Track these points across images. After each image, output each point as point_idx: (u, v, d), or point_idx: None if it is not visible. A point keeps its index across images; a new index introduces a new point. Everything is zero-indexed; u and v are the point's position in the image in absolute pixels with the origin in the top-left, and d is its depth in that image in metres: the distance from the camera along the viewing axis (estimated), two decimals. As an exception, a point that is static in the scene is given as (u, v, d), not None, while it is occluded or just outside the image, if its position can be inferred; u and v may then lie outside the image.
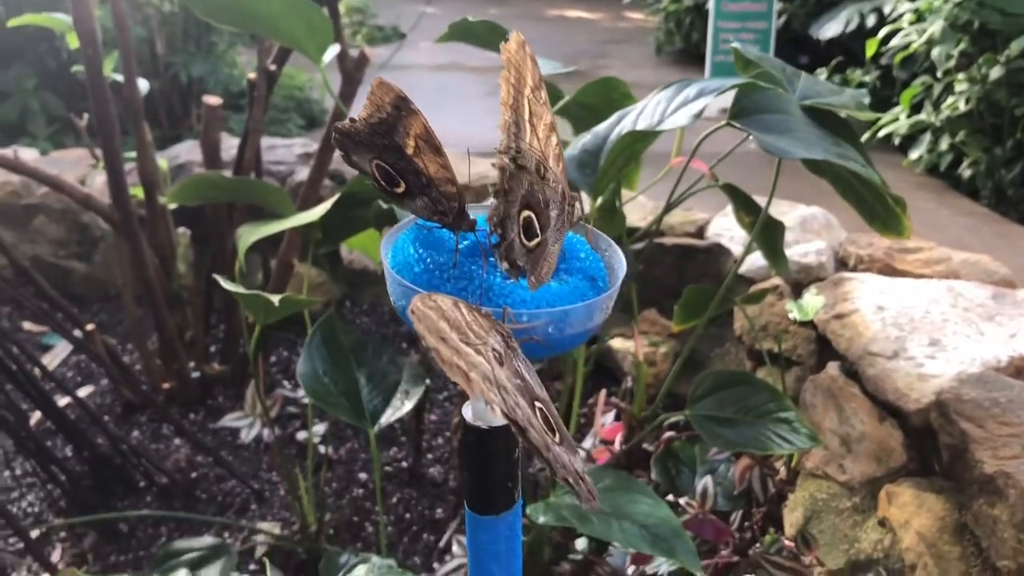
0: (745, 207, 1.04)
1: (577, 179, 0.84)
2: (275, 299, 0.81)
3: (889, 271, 1.24)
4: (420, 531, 1.16)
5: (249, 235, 1.04)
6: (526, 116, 0.36)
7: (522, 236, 0.35)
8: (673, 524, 0.83)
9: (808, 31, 3.45)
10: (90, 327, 1.22)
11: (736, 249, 1.37)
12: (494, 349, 0.31)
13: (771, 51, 3.00)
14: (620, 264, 0.37)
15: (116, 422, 1.35)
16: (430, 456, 1.28)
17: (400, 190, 0.39)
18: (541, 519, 0.82)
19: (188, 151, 1.77)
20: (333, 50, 1.25)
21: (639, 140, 0.80)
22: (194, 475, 1.24)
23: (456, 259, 0.35)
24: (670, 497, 1.06)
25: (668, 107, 0.86)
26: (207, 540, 1.04)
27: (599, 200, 0.89)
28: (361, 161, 0.39)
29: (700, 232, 1.43)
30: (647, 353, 1.35)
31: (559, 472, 0.32)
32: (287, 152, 1.77)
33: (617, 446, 1.04)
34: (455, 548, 1.07)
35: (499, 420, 0.38)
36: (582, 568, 1.06)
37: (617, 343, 1.38)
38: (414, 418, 1.22)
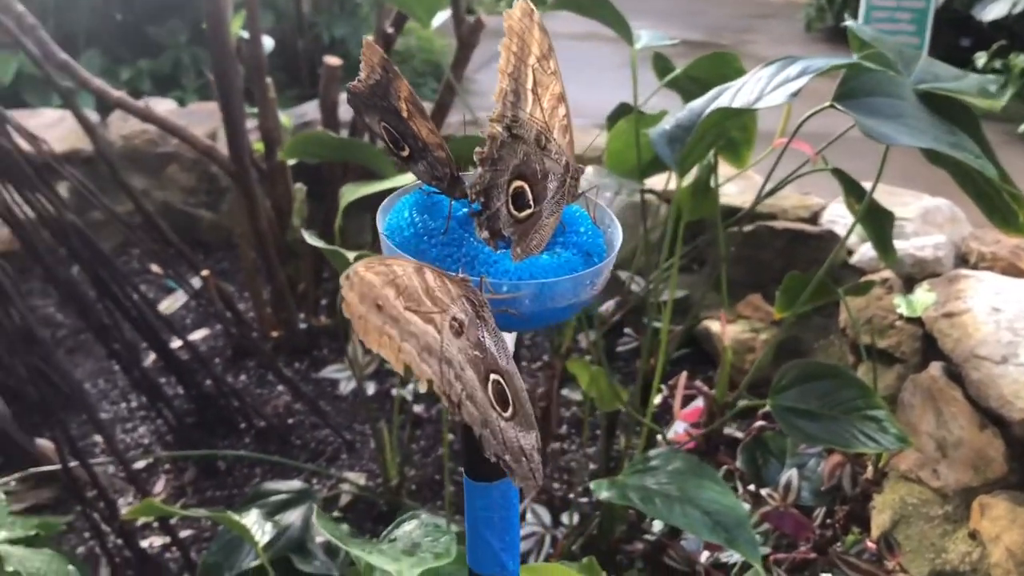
0: (855, 193, 1.00)
1: (665, 154, 0.82)
2: (350, 255, 0.83)
3: (1013, 271, 1.16)
4: (500, 496, 1.18)
5: (350, 193, 1.07)
6: (528, 85, 0.35)
7: (511, 206, 0.34)
8: (738, 513, 0.81)
9: (971, 12, 3.25)
10: (205, 273, 1.28)
11: (852, 238, 1.31)
12: (455, 318, 0.31)
13: (928, 33, 2.83)
14: (618, 241, 0.37)
15: (225, 365, 1.42)
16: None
17: (405, 154, 0.39)
18: (603, 495, 0.82)
19: (315, 110, 1.83)
20: (444, 15, 1.26)
21: (729, 118, 0.78)
22: (291, 421, 1.29)
23: (448, 225, 0.35)
24: (751, 487, 1.04)
25: (768, 85, 0.83)
26: (295, 484, 1.09)
27: (689, 177, 0.87)
28: (372, 122, 0.39)
29: (814, 218, 1.37)
30: (747, 339, 1.32)
31: (489, 449, 0.32)
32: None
33: (696, 430, 1.02)
34: (528, 516, 1.08)
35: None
36: (655, 549, 1.06)
37: (715, 326, 1.35)
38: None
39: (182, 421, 1.25)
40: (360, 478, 1.17)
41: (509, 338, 0.37)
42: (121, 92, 1.28)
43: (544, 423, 1.14)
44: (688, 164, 0.81)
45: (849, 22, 0.92)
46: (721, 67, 1.06)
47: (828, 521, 1.03)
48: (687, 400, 1.08)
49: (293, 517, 1.04)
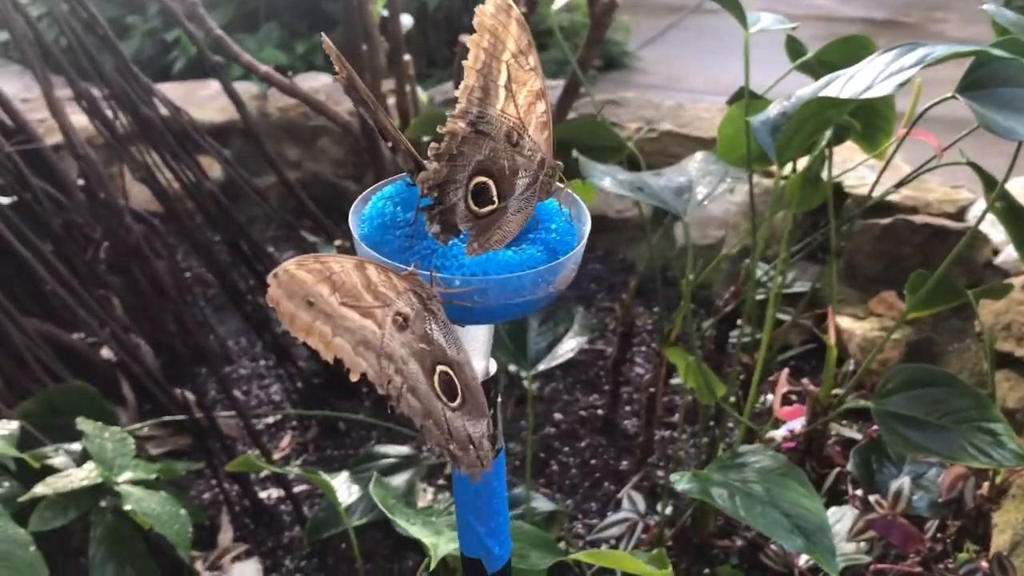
0: (993, 188, 0.93)
1: (766, 143, 0.79)
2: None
3: None
4: (602, 479, 1.18)
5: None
6: (500, 82, 0.35)
7: (470, 202, 0.34)
8: (819, 518, 0.78)
9: None
10: (338, 243, 1.34)
11: (998, 237, 1.22)
12: (399, 312, 0.32)
13: None
14: (579, 241, 0.36)
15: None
16: (628, 408, 1.29)
17: (390, 144, 0.40)
18: (682, 487, 0.81)
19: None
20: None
21: (829, 107, 0.74)
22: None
23: (416, 217, 0.36)
24: (859, 492, 0.99)
25: (882, 73, 0.78)
26: (403, 449, 1.13)
27: (799, 168, 0.83)
28: (365, 114, 0.40)
29: (961, 213, 1.28)
30: (876, 337, 1.25)
31: (431, 440, 0.32)
32: (552, 95, 1.81)
33: (798, 429, 0.99)
34: (624, 503, 1.08)
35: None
36: (751, 547, 1.03)
37: (845, 322, 1.29)
38: (613, 369, 1.23)
39: (309, 382, 1.32)
40: (466, 450, 1.20)
41: (483, 330, 0.37)
42: (268, 67, 1.35)
43: (649, 411, 1.14)
44: (788, 154, 0.78)
45: (987, 5, 0.85)
46: (855, 51, 1.01)
47: (940, 535, 0.97)
48: (788, 399, 1.04)
49: (399, 480, 1.09)
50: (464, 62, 0.35)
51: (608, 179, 0.86)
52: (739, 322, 1.19)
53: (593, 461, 1.20)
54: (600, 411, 1.28)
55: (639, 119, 1.67)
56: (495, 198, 0.35)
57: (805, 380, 0.98)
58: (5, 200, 1.27)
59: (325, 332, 0.31)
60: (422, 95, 1.51)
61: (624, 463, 1.19)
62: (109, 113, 1.08)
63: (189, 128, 1.14)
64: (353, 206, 0.38)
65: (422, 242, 0.35)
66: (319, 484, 0.88)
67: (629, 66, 3.50)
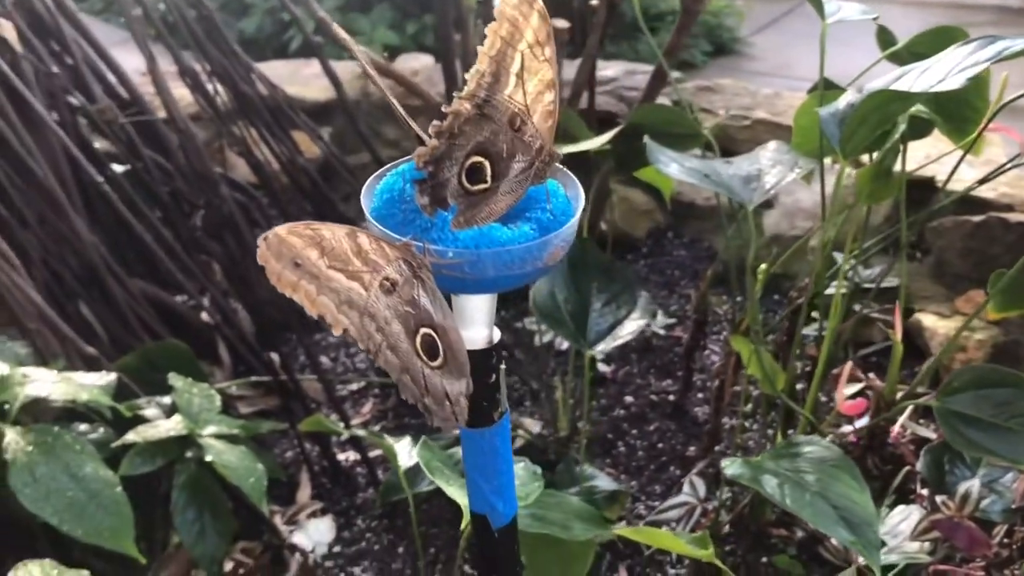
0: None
1: (832, 135, 0.79)
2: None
3: None
4: (668, 463, 1.19)
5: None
6: (512, 69, 0.37)
7: (464, 179, 0.37)
8: (867, 511, 0.78)
9: None
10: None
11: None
12: (387, 278, 0.35)
13: None
14: (565, 226, 0.38)
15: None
16: (700, 396, 1.29)
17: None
18: (731, 471, 0.82)
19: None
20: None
21: (895, 101, 0.74)
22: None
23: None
24: (925, 491, 0.98)
25: (958, 65, 0.77)
26: (473, 423, 1.17)
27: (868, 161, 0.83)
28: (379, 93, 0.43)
29: (1063, 212, 1.24)
30: (960, 337, 1.22)
31: (405, 392, 0.35)
32: (644, 79, 1.81)
33: (860, 424, 0.98)
34: (685, 487, 1.09)
35: (475, 344, 0.41)
36: (810, 539, 1.03)
37: (929, 320, 1.26)
38: (686, 355, 1.24)
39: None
40: (535, 426, 1.23)
41: (484, 300, 0.40)
42: (366, 49, 1.40)
43: (718, 399, 1.14)
44: (852, 147, 0.77)
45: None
46: (945, 42, 0.99)
47: (1007, 540, 0.95)
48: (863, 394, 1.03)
49: (465, 452, 1.12)
50: (480, 47, 0.38)
51: (675, 165, 0.87)
52: (814, 315, 1.18)
53: (660, 445, 1.22)
54: (671, 396, 1.29)
55: (733, 106, 1.66)
56: (488, 178, 0.37)
57: (872, 375, 0.97)
58: (119, 168, 1.37)
59: (310, 291, 0.34)
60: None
61: (691, 449, 1.20)
62: (211, 89, 1.15)
63: (285, 105, 1.19)
64: (368, 181, 0.41)
65: (421, 216, 0.38)
66: (383, 448, 0.93)
67: (739, 52, 3.44)
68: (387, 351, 0.35)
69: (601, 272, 0.97)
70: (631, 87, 1.77)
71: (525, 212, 0.39)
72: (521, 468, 0.71)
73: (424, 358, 0.36)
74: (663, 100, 1.71)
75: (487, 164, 0.37)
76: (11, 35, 1.21)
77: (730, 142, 1.61)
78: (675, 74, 1.86)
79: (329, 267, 0.34)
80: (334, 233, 0.34)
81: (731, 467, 0.83)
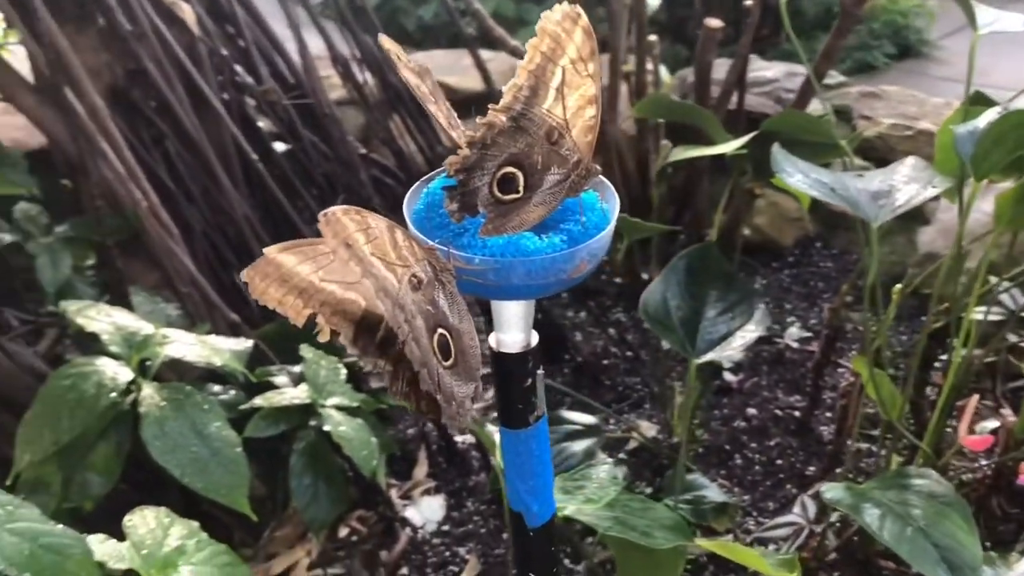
0: None
1: (965, 154, 0.75)
2: (632, 220, 0.88)
3: None
4: (785, 480, 1.16)
5: (677, 153, 1.11)
6: (552, 84, 0.37)
7: (496, 188, 0.37)
8: (972, 554, 0.74)
9: None
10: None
11: None
12: (415, 275, 0.36)
13: None
14: (595, 240, 0.38)
15: (570, 299, 1.54)
16: (828, 414, 1.25)
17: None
18: (830, 496, 0.79)
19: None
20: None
21: (1032, 122, 0.69)
22: (605, 362, 1.37)
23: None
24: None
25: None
26: (589, 419, 1.17)
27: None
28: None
29: None
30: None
31: (424, 384, 0.36)
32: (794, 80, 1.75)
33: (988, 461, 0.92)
34: (796, 507, 1.06)
35: (511, 348, 0.42)
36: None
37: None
38: (815, 372, 1.20)
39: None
40: (651, 430, 1.22)
41: (520, 306, 0.41)
42: (517, 42, 1.42)
43: (842, 419, 1.10)
44: (985, 168, 0.73)
45: None
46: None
47: None
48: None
49: (577, 448, 1.13)
50: (519, 62, 0.38)
51: (799, 176, 0.84)
52: (949, 340, 1.11)
53: (779, 461, 1.18)
54: (797, 412, 1.25)
55: (896, 115, 1.58)
56: (521, 188, 0.38)
57: (1006, 410, 0.91)
58: (281, 146, 1.45)
59: (356, 272, 0.36)
60: (665, 76, 1.53)
61: (811, 468, 1.16)
62: (360, 77, 1.20)
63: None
64: (416, 185, 0.42)
65: (461, 222, 0.39)
66: (483, 438, 0.95)
67: (927, 56, 3.26)
68: (412, 342, 0.37)
69: (720, 280, 0.95)
70: (791, 89, 1.72)
71: (560, 224, 0.40)
72: (603, 472, 0.72)
73: (439, 357, 0.37)
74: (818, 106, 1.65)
75: (520, 175, 0.38)
76: (190, 18, 1.30)
77: (890, 153, 1.54)
78: (841, 78, 1.79)
79: (372, 254, 0.36)
80: (378, 224, 0.36)
81: (831, 491, 0.81)
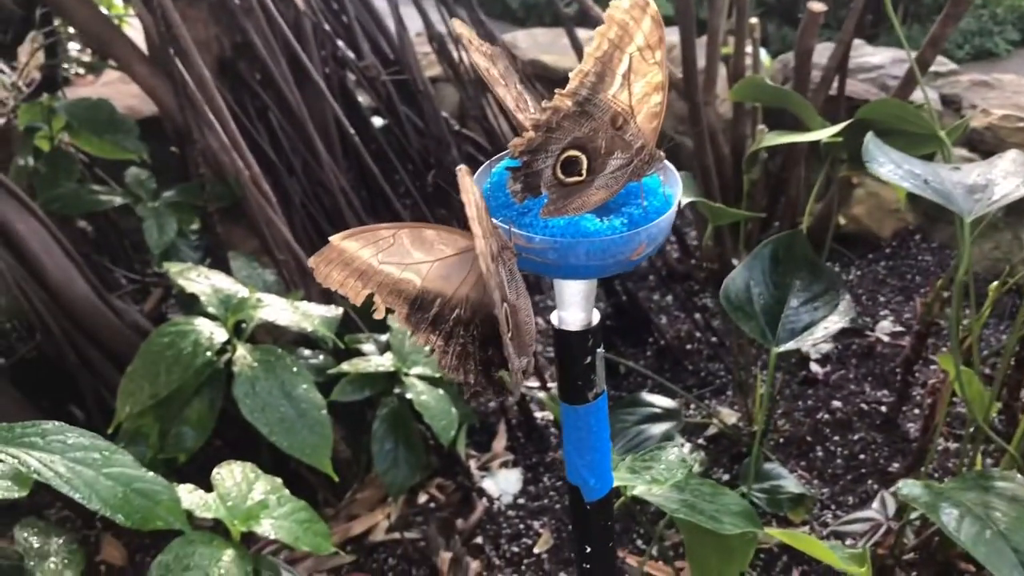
0: None
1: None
2: (714, 205, 0.87)
3: None
4: (866, 476, 1.14)
5: (770, 139, 1.10)
6: (619, 71, 0.38)
7: (558, 170, 0.38)
8: (1053, 564, 0.72)
9: None
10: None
11: None
12: (491, 247, 0.37)
13: None
14: (653, 223, 0.39)
15: (657, 282, 1.54)
16: (916, 411, 1.22)
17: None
18: (906, 492, 0.78)
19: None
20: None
21: None
22: (688, 347, 1.37)
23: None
24: None
25: None
26: (669, 403, 1.17)
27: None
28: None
29: None
30: None
31: (506, 349, 0.38)
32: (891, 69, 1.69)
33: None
34: (875, 503, 1.04)
35: (572, 326, 0.43)
36: None
37: None
38: (904, 367, 1.17)
39: (601, 323, 1.40)
40: (731, 417, 1.22)
41: (581, 284, 0.42)
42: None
43: (929, 417, 1.07)
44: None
45: None
46: None
47: None
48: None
49: (655, 430, 1.14)
50: (587, 48, 0.39)
51: (890, 166, 0.82)
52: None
53: (862, 456, 1.16)
54: (884, 407, 1.23)
55: (1009, 105, 1.51)
56: (583, 171, 0.39)
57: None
58: (379, 121, 1.49)
59: (413, 254, 0.39)
60: (765, 58, 1.50)
61: (895, 465, 1.14)
62: (455, 56, 1.22)
63: (524, 74, 1.24)
64: (485, 165, 0.44)
65: (524, 202, 0.40)
66: (555, 414, 0.96)
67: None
68: (507, 304, 0.39)
69: (806, 269, 0.94)
70: (897, 76, 1.66)
71: (623, 206, 0.40)
72: (673, 454, 0.72)
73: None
74: (932, 92, 1.60)
75: (583, 158, 0.39)
76: (297, -6, 1.34)
77: (999, 145, 1.48)
78: (951, 66, 1.72)
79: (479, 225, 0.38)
80: (479, 202, 0.38)
81: (908, 488, 0.79)
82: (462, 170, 0.37)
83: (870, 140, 0.86)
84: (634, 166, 0.40)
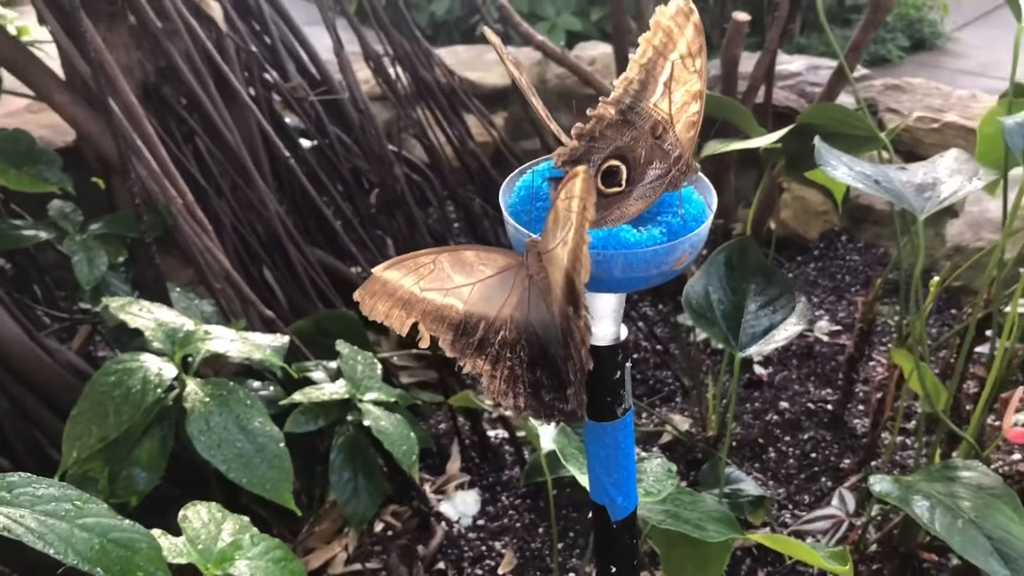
0: None
1: (1015, 146, 0.75)
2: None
3: None
4: (819, 474, 1.16)
5: (711, 148, 1.11)
6: (661, 79, 0.37)
7: (598, 180, 0.38)
8: (1024, 547, 0.74)
9: None
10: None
11: None
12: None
13: None
14: (692, 233, 0.38)
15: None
16: (860, 408, 1.25)
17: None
18: (878, 488, 0.79)
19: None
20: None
21: (1088, 112, 0.69)
22: (635, 356, 1.37)
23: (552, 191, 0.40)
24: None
25: None
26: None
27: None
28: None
29: None
30: None
31: (575, 366, 0.37)
32: (828, 74, 1.74)
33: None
34: (834, 500, 1.06)
35: (602, 341, 0.42)
36: (966, 568, 0.98)
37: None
38: (848, 365, 1.20)
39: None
40: (684, 423, 1.22)
41: (612, 298, 0.41)
42: (544, 37, 1.42)
43: (878, 412, 1.10)
44: (1036, 159, 0.73)
45: None
46: None
47: None
48: None
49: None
50: (631, 55, 0.38)
51: (843, 169, 0.84)
52: (987, 333, 1.11)
53: (813, 455, 1.18)
54: (830, 406, 1.25)
55: (922, 108, 1.57)
56: (623, 181, 0.38)
57: (1049, 403, 0.90)
58: (307, 143, 1.45)
59: (454, 279, 0.38)
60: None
61: (846, 462, 1.17)
62: (392, 73, 1.20)
63: (460, 91, 1.23)
64: (509, 178, 0.42)
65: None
66: (527, 431, 0.95)
67: (941, 48, 3.25)
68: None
69: (760, 274, 0.95)
70: (814, 83, 1.72)
71: (657, 216, 0.40)
72: (657, 464, 0.72)
73: None
74: (847, 98, 1.65)
75: (623, 168, 0.38)
76: (218, 15, 1.30)
77: (917, 145, 1.54)
78: (863, 71, 1.78)
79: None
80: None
81: (880, 484, 0.81)
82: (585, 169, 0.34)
83: (820, 145, 0.87)
84: (672, 176, 0.39)
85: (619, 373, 0.42)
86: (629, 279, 0.38)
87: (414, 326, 0.40)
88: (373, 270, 0.39)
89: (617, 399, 0.43)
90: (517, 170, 0.43)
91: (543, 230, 0.37)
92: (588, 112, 0.38)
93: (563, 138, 0.39)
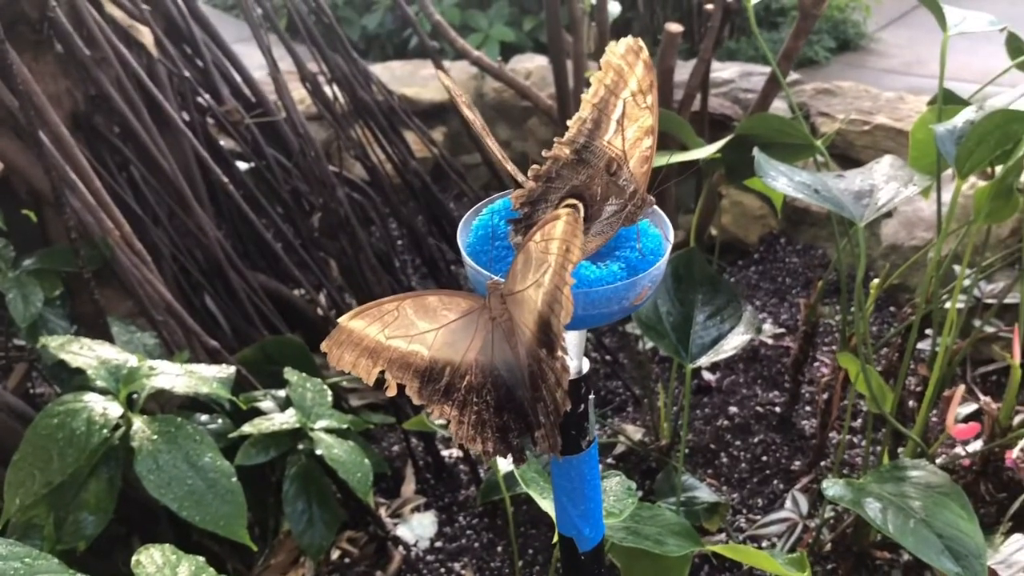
0: None
1: (947, 153, 0.77)
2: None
3: None
4: (771, 476, 1.17)
5: (655, 160, 1.12)
6: (614, 116, 0.38)
7: None
8: (975, 543, 0.75)
9: None
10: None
11: None
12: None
13: None
14: (651, 267, 0.39)
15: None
16: (807, 409, 1.27)
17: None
18: (832, 492, 0.81)
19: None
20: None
21: (1016, 121, 0.71)
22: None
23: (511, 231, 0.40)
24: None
25: (1089, 82, 0.74)
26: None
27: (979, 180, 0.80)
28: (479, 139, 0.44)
29: None
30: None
31: (556, 409, 0.37)
32: (761, 81, 1.77)
33: (973, 448, 0.94)
34: (788, 503, 1.07)
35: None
36: (917, 564, 1.00)
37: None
38: (793, 367, 1.22)
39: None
40: (637, 433, 1.23)
41: (574, 333, 0.41)
42: (480, 52, 1.42)
43: (825, 413, 1.12)
44: (969, 166, 0.75)
45: None
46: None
47: None
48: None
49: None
50: (583, 95, 0.39)
51: (783, 179, 0.85)
52: (927, 331, 1.14)
53: (764, 458, 1.20)
54: (778, 408, 1.27)
55: (853, 110, 1.61)
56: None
57: (988, 398, 0.93)
58: (244, 166, 1.43)
59: (417, 325, 0.38)
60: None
61: (796, 463, 1.18)
62: (329, 93, 1.19)
63: (399, 109, 1.23)
64: (465, 217, 0.42)
65: (512, 253, 0.39)
66: (493, 466, 0.94)
67: (866, 48, 3.33)
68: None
69: (706, 284, 0.96)
70: (747, 89, 1.74)
71: (615, 251, 0.40)
72: (616, 483, 0.72)
73: None
74: (780, 103, 1.68)
75: (580, 206, 0.38)
76: (148, 40, 1.27)
77: (849, 148, 1.57)
78: (794, 75, 1.82)
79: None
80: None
81: (832, 488, 0.82)
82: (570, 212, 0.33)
83: (760, 156, 0.89)
84: (628, 211, 0.39)
85: (583, 407, 0.42)
86: (591, 316, 0.38)
87: (381, 375, 0.39)
88: (339, 320, 0.39)
89: (582, 432, 0.43)
90: (473, 208, 0.43)
91: (509, 272, 0.37)
92: (543, 153, 0.38)
93: (520, 178, 0.39)
